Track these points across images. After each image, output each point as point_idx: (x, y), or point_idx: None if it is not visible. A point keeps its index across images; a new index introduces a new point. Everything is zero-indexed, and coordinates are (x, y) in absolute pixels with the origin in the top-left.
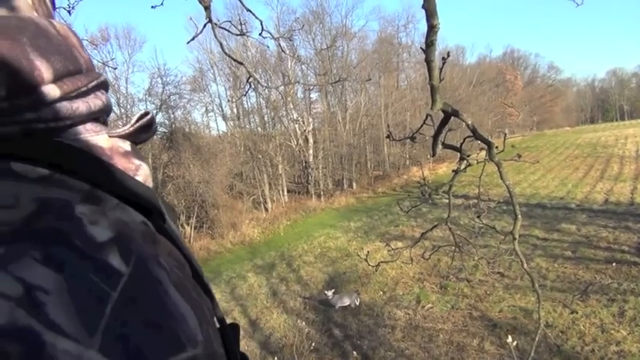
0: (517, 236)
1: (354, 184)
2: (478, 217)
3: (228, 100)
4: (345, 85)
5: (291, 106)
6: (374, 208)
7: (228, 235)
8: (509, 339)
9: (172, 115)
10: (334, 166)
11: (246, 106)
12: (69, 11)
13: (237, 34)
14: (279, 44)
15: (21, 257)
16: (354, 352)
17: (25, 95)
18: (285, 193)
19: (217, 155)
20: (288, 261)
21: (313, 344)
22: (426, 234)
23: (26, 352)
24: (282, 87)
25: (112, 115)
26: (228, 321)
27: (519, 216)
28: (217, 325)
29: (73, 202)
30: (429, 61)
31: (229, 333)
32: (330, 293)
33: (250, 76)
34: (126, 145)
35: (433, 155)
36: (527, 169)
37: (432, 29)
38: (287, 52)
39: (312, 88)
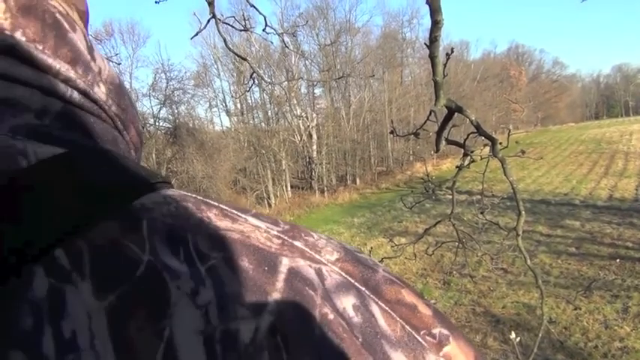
0: (521, 232)
1: (358, 180)
2: (482, 213)
3: (232, 96)
4: (348, 80)
5: (295, 102)
6: (377, 203)
7: None
8: (513, 335)
9: (176, 111)
10: (338, 162)
11: (249, 101)
12: None
13: (241, 30)
14: (283, 40)
15: None
16: None
17: None
18: (289, 188)
19: (221, 150)
20: None
21: None
22: (430, 230)
23: None
24: (286, 83)
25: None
26: None
27: (523, 212)
28: None
29: None
30: (432, 57)
31: None
32: None
33: (254, 72)
34: None
35: (437, 151)
36: (531, 165)
37: (435, 25)
38: (291, 47)
39: (315, 83)
